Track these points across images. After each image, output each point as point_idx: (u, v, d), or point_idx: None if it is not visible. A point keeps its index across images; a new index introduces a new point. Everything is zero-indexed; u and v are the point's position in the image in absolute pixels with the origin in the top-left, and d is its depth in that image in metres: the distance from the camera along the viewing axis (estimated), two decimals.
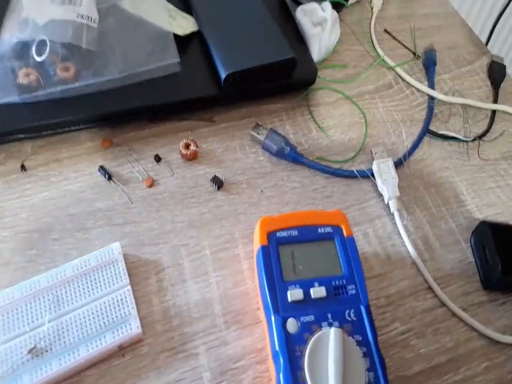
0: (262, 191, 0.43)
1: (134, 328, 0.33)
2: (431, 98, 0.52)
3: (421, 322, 0.38)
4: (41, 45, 0.42)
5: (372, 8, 0.60)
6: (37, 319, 0.32)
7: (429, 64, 0.55)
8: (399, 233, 0.42)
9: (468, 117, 0.51)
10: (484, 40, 1.30)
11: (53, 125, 0.42)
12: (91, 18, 0.45)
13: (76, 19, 0.44)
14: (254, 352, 0.34)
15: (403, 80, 0.54)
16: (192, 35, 0.49)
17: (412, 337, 0.37)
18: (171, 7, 0.50)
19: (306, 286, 0.33)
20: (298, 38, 0.51)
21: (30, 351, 0.31)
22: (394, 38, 0.58)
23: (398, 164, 0.46)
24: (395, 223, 0.42)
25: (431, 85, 0.53)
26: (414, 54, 0.56)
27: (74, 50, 0.43)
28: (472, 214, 0.44)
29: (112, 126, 0.45)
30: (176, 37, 0.47)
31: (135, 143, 0.44)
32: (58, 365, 0.31)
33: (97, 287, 0.34)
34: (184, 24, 0.49)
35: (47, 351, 0.31)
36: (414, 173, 0.46)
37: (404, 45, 0.57)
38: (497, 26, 1.19)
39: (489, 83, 0.55)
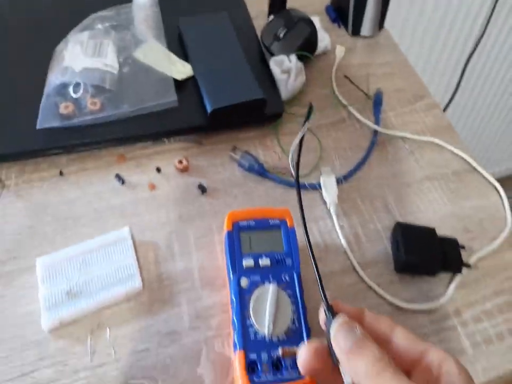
0: (235, 197, 0.61)
1: (136, 283, 0.51)
2: (375, 131, 0.71)
3: (344, 292, 0.55)
4: (77, 85, 0.63)
5: (335, 58, 0.80)
6: (72, 274, 0.50)
7: (376, 103, 0.74)
8: (336, 231, 0.60)
9: (403, 145, 0.70)
10: (456, 79, 1.50)
11: (84, 144, 0.62)
12: (113, 66, 0.65)
13: (102, 67, 0.64)
14: (221, 305, 0.52)
15: (354, 116, 0.73)
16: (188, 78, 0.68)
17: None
18: (173, 56, 0.70)
19: (256, 257, 0.51)
20: (271, 81, 0.71)
21: (67, 293, 0.49)
22: (351, 82, 0.77)
23: (341, 180, 0.64)
24: (333, 223, 0.60)
25: (376, 121, 0.72)
26: (366, 95, 0.76)
27: (100, 89, 0.63)
28: (395, 218, 0.62)
29: (126, 146, 0.64)
30: (175, 79, 0.67)
31: (142, 159, 0.63)
32: (86, 303, 0.49)
33: (112, 256, 0.52)
34: (182, 70, 0.69)
35: (78, 294, 0.49)
36: (353, 187, 0.64)
37: (359, 88, 0.77)
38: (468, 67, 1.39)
39: (426, 120, 0.74)
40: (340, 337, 0.34)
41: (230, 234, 0.52)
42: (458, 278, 0.56)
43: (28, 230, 0.56)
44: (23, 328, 0.49)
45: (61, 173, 0.61)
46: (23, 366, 0.46)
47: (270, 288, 0.48)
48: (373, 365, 0.32)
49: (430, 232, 0.57)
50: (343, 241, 0.59)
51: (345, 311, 0.37)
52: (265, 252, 0.51)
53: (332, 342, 0.35)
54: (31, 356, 0.47)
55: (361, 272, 0.57)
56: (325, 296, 0.39)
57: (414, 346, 0.35)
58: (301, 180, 0.64)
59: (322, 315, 0.38)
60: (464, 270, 0.56)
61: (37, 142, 0.61)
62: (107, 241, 0.53)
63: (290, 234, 0.53)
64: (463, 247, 0.57)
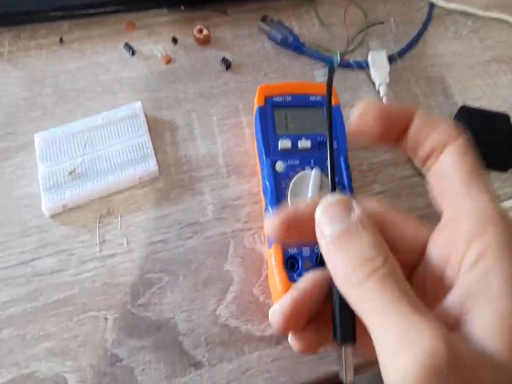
0: (265, 74, 0.53)
1: (151, 165, 0.44)
2: (431, 4, 0.60)
3: (397, 185, 0.48)
4: None
5: None
6: (75, 153, 0.44)
7: None
8: None
9: (465, 21, 0.60)
10: None
11: (88, 5, 0.52)
12: None
13: None
14: (251, 195, 0.45)
15: None
16: None
17: (388, 197, 0.47)
18: None
19: (294, 138, 0.43)
20: None
21: (70, 173, 0.42)
22: None
23: (392, 59, 0.55)
24: None
25: None
26: None
27: None
28: (457, 104, 0.53)
29: (136, 12, 0.55)
30: None
31: (156, 27, 0.54)
32: (92, 186, 0.42)
33: (122, 134, 0.45)
34: None
35: (83, 175, 0.42)
36: (407, 67, 0.55)
37: None
38: None
39: None
40: (324, 220, 0.23)
41: (262, 111, 0.44)
42: None
43: (25, 103, 0.48)
44: (22, 212, 0.42)
45: (61, 41, 0.52)
46: (22, 254, 0.41)
47: (312, 174, 0.41)
48: (355, 267, 0.21)
49: (503, 119, 0.48)
50: None
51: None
52: (304, 132, 0.44)
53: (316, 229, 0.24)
54: (31, 243, 0.41)
55: (418, 165, 0.49)
56: (332, 179, 0.27)
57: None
58: (345, 58, 0.55)
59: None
60: None
61: (32, 1, 0.52)
62: (116, 117, 0.46)
63: (335, 112, 0.45)
64: None
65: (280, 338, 0.38)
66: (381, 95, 0.52)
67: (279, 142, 0.43)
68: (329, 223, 0.23)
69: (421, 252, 0.25)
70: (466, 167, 0.23)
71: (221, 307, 0.39)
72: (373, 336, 0.21)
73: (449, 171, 0.24)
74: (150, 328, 0.38)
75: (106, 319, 0.38)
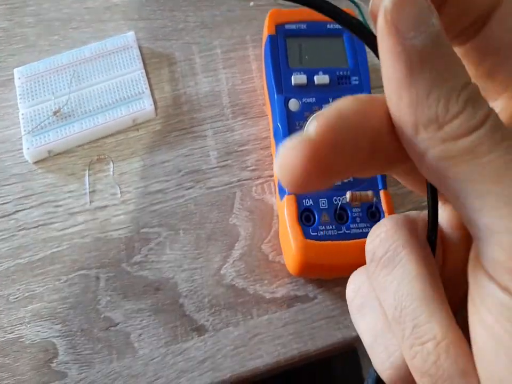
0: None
1: (147, 105, 0.38)
2: None
3: None
4: None
5: None
6: (60, 90, 0.38)
7: None
8: None
9: None
10: None
11: None
12: None
13: None
14: (259, 140, 0.40)
15: None
16: None
17: None
18: None
19: (310, 73, 0.37)
20: None
21: (55, 113, 0.37)
22: None
23: None
24: None
25: None
26: None
27: None
28: None
29: None
30: None
31: None
32: (80, 128, 0.37)
33: (113, 68, 0.39)
34: None
35: (70, 116, 0.37)
36: None
37: None
38: None
39: None
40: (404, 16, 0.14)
41: (272, 40, 0.38)
42: None
43: (3, 34, 0.42)
44: (2, 158, 0.37)
45: None
46: (3, 205, 0.36)
47: None
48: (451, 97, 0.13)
49: None
50: None
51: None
52: (322, 66, 0.38)
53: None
54: (13, 193, 0.36)
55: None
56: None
57: None
58: None
59: None
60: None
61: None
62: (106, 48, 0.40)
63: (356, 44, 0.39)
64: None
65: (292, 300, 0.34)
66: None
67: (292, 77, 0.37)
68: (414, 22, 0.13)
69: None
70: None
71: (226, 265, 0.35)
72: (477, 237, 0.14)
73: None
74: (147, 289, 0.34)
75: (98, 278, 0.34)
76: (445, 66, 0.14)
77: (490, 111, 0.13)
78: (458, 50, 0.17)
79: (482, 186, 0.13)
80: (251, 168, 0.39)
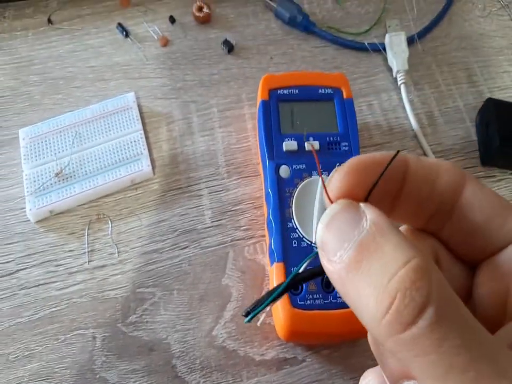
0: (271, 58, 0.48)
1: (145, 166, 0.40)
2: None
3: None
4: None
5: None
6: (62, 151, 0.40)
7: None
8: (404, 107, 0.47)
9: None
10: None
11: None
12: None
13: None
14: (252, 199, 0.41)
15: None
16: None
17: None
18: None
19: (301, 139, 0.39)
20: None
21: (57, 175, 0.38)
22: None
23: (412, 40, 0.49)
24: (401, 97, 0.47)
25: None
26: None
27: None
28: (482, 95, 0.48)
29: None
30: None
31: (152, 4, 0.49)
32: (80, 189, 0.39)
33: (113, 129, 0.41)
34: None
35: (71, 177, 0.39)
36: (428, 50, 0.50)
37: None
38: None
39: None
40: (329, 239, 0.17)
41: (265, 105, 0.40)
42: None
43: (11, 93, 0.44)
44: (5, 217, 0.39)
45: (49, 21, 0.47)
46: (6, 264, 0.38)
47: (320, 181, 0.37)
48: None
49: None
50: (413, 122, 0.46)
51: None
52: (312, 131, 0.39)
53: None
54: (15, 252, 0.38)
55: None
56: None
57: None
58: (359, 39, 0.50)
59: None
60: None
61: None
62: (107, 109, 0.42)
63: (346, 108, 0.40)
64: None
65: (282, 363, 0.35)
66: (399, 83, 0.47)
67: (284, 143, 0.38)
68: (338, 241, 0.16)
69: None
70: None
71: (218, 327, 0.36)
72: None
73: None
74: (141, 349, 0.35)
75: (95, 338, 0.35)
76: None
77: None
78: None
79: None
80: (244, 227, 0.40)
